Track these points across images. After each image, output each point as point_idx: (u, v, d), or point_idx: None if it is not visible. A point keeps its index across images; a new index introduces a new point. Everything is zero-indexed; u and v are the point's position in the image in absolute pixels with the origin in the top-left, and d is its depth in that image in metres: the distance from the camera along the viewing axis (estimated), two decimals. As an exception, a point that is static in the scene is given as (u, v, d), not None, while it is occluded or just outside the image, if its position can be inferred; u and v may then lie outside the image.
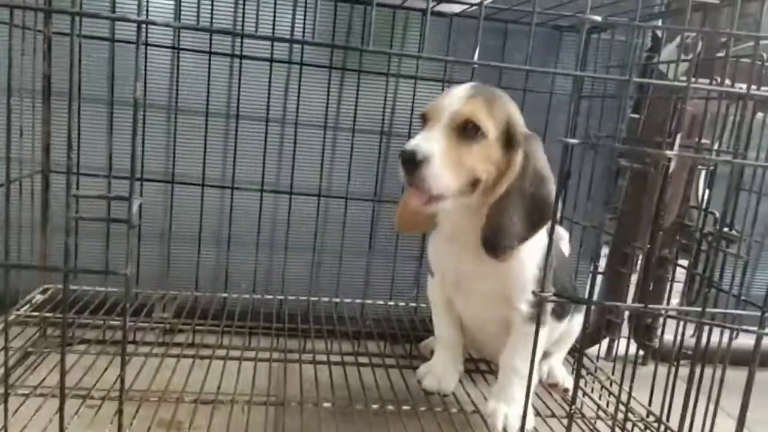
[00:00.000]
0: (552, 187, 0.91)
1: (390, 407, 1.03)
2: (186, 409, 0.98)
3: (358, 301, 1.46)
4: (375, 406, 1.03)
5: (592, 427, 1.06)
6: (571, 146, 0.79)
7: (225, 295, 1.39)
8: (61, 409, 0.74)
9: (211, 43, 1.32)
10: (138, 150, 0.71)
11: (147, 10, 1.27)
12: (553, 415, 1.08)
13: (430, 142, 0.85)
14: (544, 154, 0.93)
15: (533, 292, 0.91)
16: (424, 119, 0.92)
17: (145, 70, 1.31)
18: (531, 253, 0.94)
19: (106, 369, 1.05)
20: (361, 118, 1.41)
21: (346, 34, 1.38)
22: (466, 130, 0.87)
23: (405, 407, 1.03)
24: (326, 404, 1.03)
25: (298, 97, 1.37)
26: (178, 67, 1.33)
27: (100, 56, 1.30)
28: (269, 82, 1.35)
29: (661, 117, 1.36)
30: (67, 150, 0.71)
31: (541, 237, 0.93)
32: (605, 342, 1.49)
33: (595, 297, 1.51)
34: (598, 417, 1.10)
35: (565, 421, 0.92)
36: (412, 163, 0.84)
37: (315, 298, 1.44)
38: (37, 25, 1.21)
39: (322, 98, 1.39)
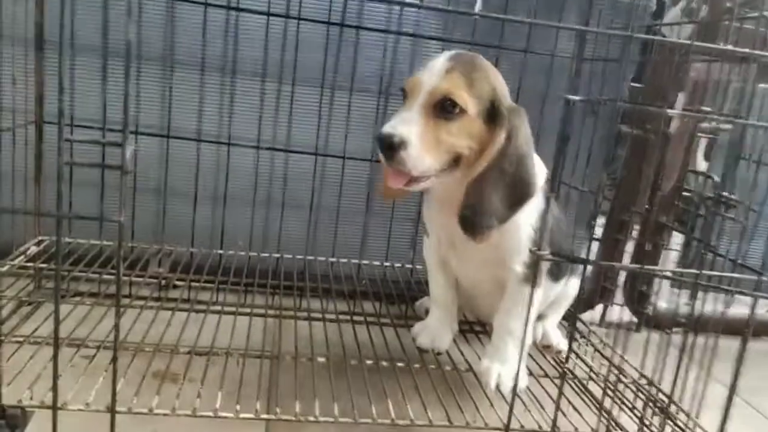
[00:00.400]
0: (531, 165, 0.89)
1: (384, 363, 1.03)
2: (181, 360, 0.99)
3: (354, 261, 1.46)
4: (369, 362, 1.03)
5: (583, 388, 1.07)
6: (573, 103, 0.78)
7: (221, 251, 1.39)
8: (55, 356, 0.74)
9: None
10: (130, 93, 0.70)
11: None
12: (546, 376, 1.09)
13: (407, 124, 0.83)
14: (529, 128, 0.90)
15: (530, 250, 0.91)
16: (405, 94, 0.89)
17: (140, 20, 1.28)
18: (526, 214, 0.93)
19: (100, 320, 1.05)
20: (359, 76, 1.39)
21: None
22: (445, 107, 0.84)
23: (399, 364, 1.03)
24: (321, 359, 1.03)
25: (296, 52, 1.35)
26: (173, 18, 1.30)
27: (93, 3, 1.27)
28: (266, 36, 1.33)
29: (662, 82, 1.34)
30: (58, 95, 0.70)
31: (536, 198, 0.92)
32: (599, 309, 1.50)
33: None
34: (591, 378, 1.11)
35: (557, 382, 0.93)
36: (390, 147, 0.82)
37: (311, 258, 1.44)
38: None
39: (319, 55, 1.37)
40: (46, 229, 1.32)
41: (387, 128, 0.82)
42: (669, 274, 0.89)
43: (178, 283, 1.29)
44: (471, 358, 1.09)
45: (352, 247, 1.48)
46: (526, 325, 0.85)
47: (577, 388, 1.07)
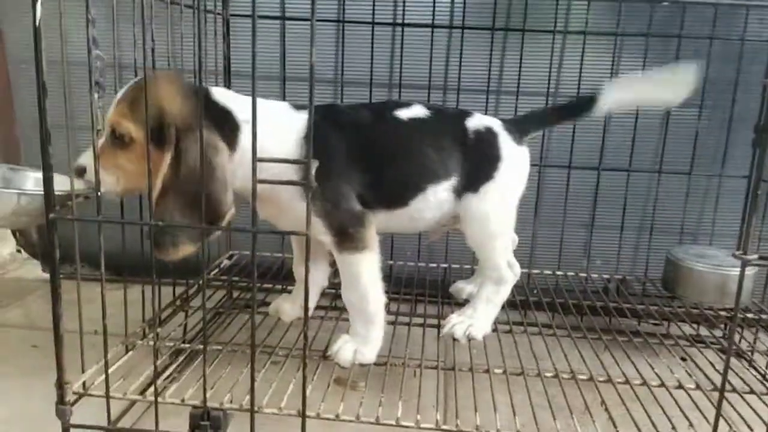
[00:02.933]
0: (214, 183, 0.85)
1: (564, 376, 0.99)
2: (359, 370, 1.01)
3: (524, 270, 1.42)
4: (548, 374, 0.99)
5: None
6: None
7: (391, 262, 1.42)
8: (252, 362, 0.80)
9: (374, 13, 1.33)
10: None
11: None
12: (752, 392, 0.98)
13: (88, 156, 0.88)
14: (211, 143, 0.86)
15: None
16: None
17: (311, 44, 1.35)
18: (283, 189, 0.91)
19: (287, 329, 1.12)
20: (525, 79, 1.36)
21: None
22: (116, 137, 0.88)
23: (581, 377, 0.98)
24: (497, 370, 1.01)
25: (460, 61, 1.35)
26: (344, 40, 1.37)
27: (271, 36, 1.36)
28: (431, 48, 1.34)
29: None
30: (252, 122, 0.75)
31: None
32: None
33: None
34: None
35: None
36: (77, 171, 0.91)
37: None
38: (216, 8, 1.29)
39: (483, 62, 1.36)
40: (235, 244, 1.44)
41: (80, 159, 0.93)
42: None
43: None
44: (662, 373, 1.01)
45: (520, 256, 1.44)
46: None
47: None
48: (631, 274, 1.43)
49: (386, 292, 1.29)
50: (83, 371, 0.88)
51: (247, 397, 0.82)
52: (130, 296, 0.97)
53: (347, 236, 0.95)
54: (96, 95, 1.00)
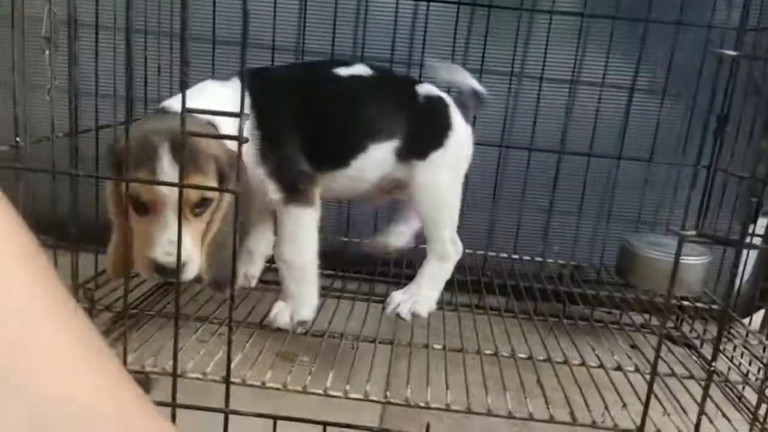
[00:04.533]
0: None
1: (504, 354, 0.97)
2: (301, 343, 0.99)
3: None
4: (488, 353, 0.97)
5: (735, 394, 0.94)
6: (733, 59, 0.68)
7: (346, 239, 1.39)
8: (176, 327, 0.77)
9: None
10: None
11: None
12: (691, 377, 0.96)
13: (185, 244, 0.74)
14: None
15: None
16: (143, 204, 0.78)
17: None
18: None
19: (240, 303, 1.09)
20: (490, 57, 1.33)
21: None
22: (198, 206, 0.79)
23: (521, 355, 0.96)
24: (436, 346, 0.99)
25: (425, 36, 1.32)
26: (306, 8, 1.33)
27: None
28: (395, 21, 1.31)
29: None
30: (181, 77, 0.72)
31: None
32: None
33: (748, 270, 1.35)
34: (745, 383, 0.97)
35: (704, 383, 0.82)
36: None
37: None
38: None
39: (448, 38, 1.33)
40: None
41: (161, 256, 0.76)
42: None
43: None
44: (603, 357, 1.00)
45: (478, 239, 1.42)
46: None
47: (728, 394, 0.94)
48: (588, 261, 1.42)
49: (336, 269, 1.28)
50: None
51: (170, 362, 0.79)
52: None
53: (297, 192, 0.94)
54: (47, 52, 0.97)
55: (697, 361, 1.15)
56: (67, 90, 0.81)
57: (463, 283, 1.23)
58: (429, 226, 1.06)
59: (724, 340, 1.13)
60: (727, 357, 1.10)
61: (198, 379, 0.82)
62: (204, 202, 0.79)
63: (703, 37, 1.29)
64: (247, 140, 0.71)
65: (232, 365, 0.76)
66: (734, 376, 1.02)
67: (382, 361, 0.99)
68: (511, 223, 1.41)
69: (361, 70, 1.02)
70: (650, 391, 0.74)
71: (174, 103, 0.84)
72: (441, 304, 1.12)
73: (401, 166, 1.02)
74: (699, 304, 1.26)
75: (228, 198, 0.81)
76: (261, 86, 0.93)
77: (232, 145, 0.76)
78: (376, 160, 1.00)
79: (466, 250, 1.37)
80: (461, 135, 1.05)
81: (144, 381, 0.84)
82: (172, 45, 1.25)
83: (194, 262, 0.79)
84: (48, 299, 0.29)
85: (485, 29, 1.31)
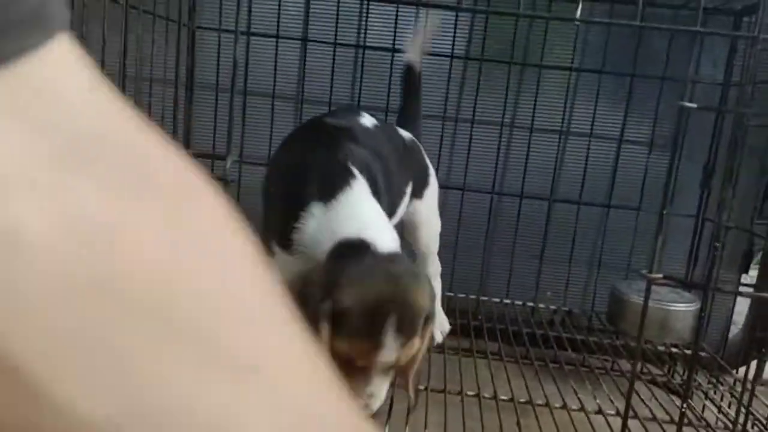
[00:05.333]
0: None
1: (485, 395, 0.98)
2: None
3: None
4: (470, 393, 0.98)
5: None
6: (688, 111, 0.71)
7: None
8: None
9: (336, 34, 1.36)
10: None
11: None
12: (672, 421, 0.96)
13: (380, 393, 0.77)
14: None
15: (642, 273, 0.82)
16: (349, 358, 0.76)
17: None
18: None
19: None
20: (481, 108, 1.37)
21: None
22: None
23: (502, 397, 0.97)
24: (420, 387, 1.00)
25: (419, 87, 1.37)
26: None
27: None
28: (390, 72, 1.37)
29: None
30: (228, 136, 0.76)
31: None
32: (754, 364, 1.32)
33: (742, 317, 1.35)
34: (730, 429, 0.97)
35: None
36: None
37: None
38: (182, 19, 1.32)
39: (441, 89, 1.38)
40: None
41: (363, 410, 0.75)
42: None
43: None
44: (586, 400, 1.00)
45: (470, 282, 1.44)
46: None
47: None
48: (580, 307, 1.43)
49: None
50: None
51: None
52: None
53: None
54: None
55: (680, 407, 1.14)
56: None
57: (455, 326, 1.24)
58: (425, 253, 1.15)
59: (710, 387, 1.13)
60: (715, 405, 1.09)
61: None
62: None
63: (688, 91, 1.33)
64: (230, 182, 0.76)
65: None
66: (720, 424, 1.01)
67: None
68: (503, 269, 1.43)
69: (369, 119, 1.02)
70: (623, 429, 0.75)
71: (376, 241, 0.78)
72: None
73: (409, 206, 1.07)
74: (689, 352, 1.25)
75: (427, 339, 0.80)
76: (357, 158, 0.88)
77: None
78: (404, 204, 1.04)
79: (459, 294, 1.41)
80: (432, 169, 1.15)
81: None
82: (176, 92, 1.31)
83: (382, 399, 0.79)
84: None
85: (477, 81, 1.36)
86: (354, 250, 0.77)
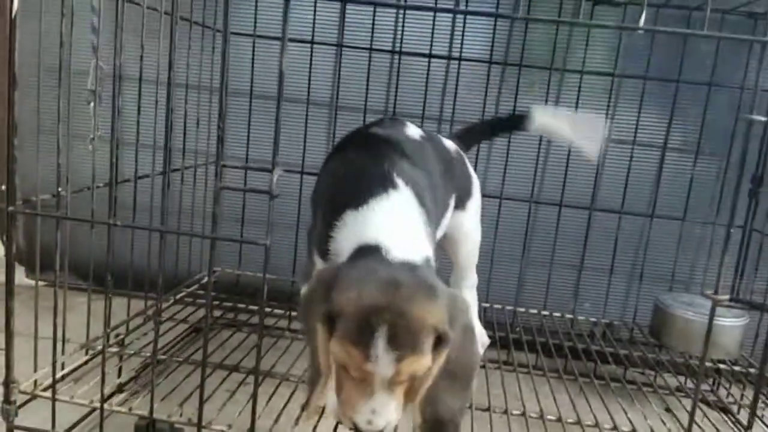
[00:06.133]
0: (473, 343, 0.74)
1: (532, 415, 0.95)
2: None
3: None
4: (515, 413, 0.95)
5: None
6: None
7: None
8: (202, 378, 0.78)
9: (372, 40, 1.34)
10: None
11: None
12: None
13: (384, 412, 0.69)
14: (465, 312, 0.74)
15: (706, 295, 0.78)
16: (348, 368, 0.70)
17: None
18: None
19: (251, 349, 1.09)
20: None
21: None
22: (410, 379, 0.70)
23: (549, 416, 0.94)
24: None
25: (456, 92, 1.34)
26: (341, 64, 1.37)
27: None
28: (427, 77, 1.34)
29: None
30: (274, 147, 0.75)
31: None
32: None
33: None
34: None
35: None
36: None
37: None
38: (216, 24, 1.30)
39: (479, 95, 1.35)
40: (217, 262, 1.42)
41: (363, 424, 0.69)
42: None
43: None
44: (636, 420, 0.96)
45: (507, 294, 1.41)
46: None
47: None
48: (620, 319, 1.39)
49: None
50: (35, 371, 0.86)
51: (196, 412, 0.80)
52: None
53: None
54: (92, 104, 1.01)
55: (732, 426, 1.10)
56: (109, 140, 0.84)
57: (492, 339, 1.21)
58: (465, 266, 1.12)
59: (762, 405, 1.09)
60: (764, 424, 1.06)
61: (222, 430, 0.82)
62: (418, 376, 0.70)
63: (736, 98, 1.29)
64: (275, 194, 0.74)
65: (258, 417, 0.76)
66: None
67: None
68: (541, 279, 1.40)
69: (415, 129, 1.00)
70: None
71: (394, 248, 0.73)
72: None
73: (451, 218, 1.03)
74: (736, 368, 1.22)
75: (441, 360, 0.70)
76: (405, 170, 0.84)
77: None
78: (449, 217, 1.01)
79: (495, 306, 1.37)
80: (476, 179, 1.11)
81: (169, 431, 0.84)
82: (211, 99, 1.30)
83: (393, 423, 0.71)
84: None
85: (515, 87, 1.33)
86: (368, 255, 0.73)
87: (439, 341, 0.69)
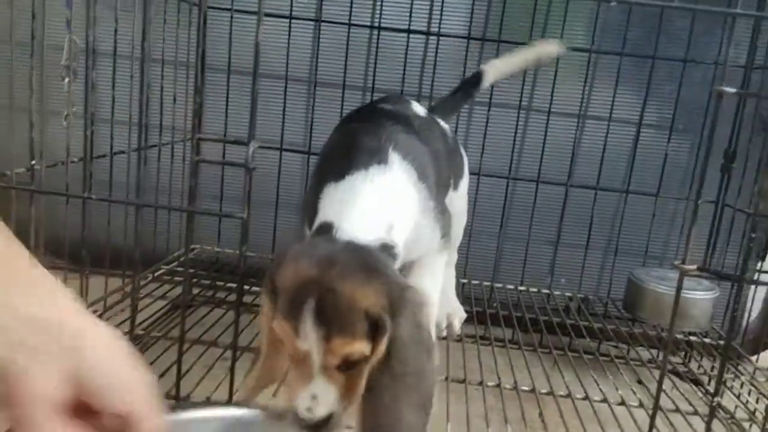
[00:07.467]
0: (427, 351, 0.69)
1: (506, 386, 0.97)
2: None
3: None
4: (490, 384, 0.97)
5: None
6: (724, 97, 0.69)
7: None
8: (179, 353, 0.78)
9: (351, 15, 1.33)
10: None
11: None
12: (696, 413, 0.96)
13: (325, 399, 0.65)
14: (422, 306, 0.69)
15: (675, 264, 0.80)
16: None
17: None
18: None
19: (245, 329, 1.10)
20: (498, 91, 1.35)
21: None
22: (347, 365, 0.66)
23: (523, 388, 0.96)
24: (439, 377, 0.99)
25: (434, 68, 1.34)
26: (319, 39, 1.36)
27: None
28: (405, 53, 1.34)
29: None
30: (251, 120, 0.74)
31: None
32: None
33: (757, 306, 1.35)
34: (751, 420, 0.96)
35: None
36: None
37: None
38: None
39: (457, 71, 1.35)
40: (197, 239, 1.42)
41: (302, 411, 0.65)
42: None
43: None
44: (608, 391, 0.99)
45: (484, 269, 1.43)
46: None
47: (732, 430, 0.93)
48: (595, 294, 1.42)
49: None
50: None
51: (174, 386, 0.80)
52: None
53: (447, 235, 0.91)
54: (66, 79, 1.00)
55: (702, 397, 1.13)
56: (83, 116, 0.84)
57: (469, 314, 1.23)
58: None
59: (731, 376, 1.12)
60: (734, 394, 1.09)
61: (201, 403, 0.83)
62: (352, 361, 0.66)
63: (710, 74, 1.30)
64: (251, 168, 0.74)
65: (235, 391, 0.77)
66: (741, 414, 1.01)
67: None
68: (518, 255, 1.42)
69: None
70: (652, 426, 0.73)
71: (346, 227, 0.72)
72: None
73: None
74: (707, 340, 1.25)
75: (380, 352, 0.66)
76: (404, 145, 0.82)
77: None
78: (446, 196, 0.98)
79: (473, 281, 1.39)
80: (466, 159, 1.12)
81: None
82: (188, 74, 1.29)
83: (338, 418, 0.66)
84: None
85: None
86: (322, 232, 0.72)
87: (377, 326, 0.65)
